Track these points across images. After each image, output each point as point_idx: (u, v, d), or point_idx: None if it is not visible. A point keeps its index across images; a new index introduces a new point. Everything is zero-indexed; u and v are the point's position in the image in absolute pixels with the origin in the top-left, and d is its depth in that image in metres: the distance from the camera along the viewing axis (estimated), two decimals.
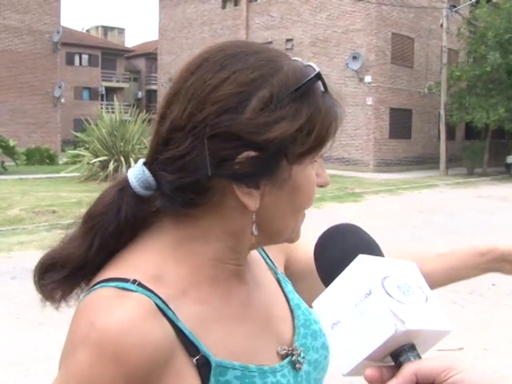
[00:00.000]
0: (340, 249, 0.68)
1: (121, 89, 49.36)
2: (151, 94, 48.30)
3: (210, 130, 0.65)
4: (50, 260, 0.73)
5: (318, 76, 0.69)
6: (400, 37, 24.53)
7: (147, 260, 0.70)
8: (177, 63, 31.37)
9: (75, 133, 19.57)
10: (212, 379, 0.66)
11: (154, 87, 44.32)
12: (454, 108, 23.00)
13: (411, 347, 0.57)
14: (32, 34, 26.05)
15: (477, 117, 21.78)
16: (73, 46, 42.61)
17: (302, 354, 0.78)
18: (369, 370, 0.57)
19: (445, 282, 1.07)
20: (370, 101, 23.15)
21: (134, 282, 0.66)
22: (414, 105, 25.41)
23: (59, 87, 26.59)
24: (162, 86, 32.27)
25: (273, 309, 0.80)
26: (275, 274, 0.87)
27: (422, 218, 11.21)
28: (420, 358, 0.57)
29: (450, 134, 24.82)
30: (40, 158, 23.11)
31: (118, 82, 49.98)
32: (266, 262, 0.87)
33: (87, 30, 55.96)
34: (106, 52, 47.50)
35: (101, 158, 16.21)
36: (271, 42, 26.70)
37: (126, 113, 18.29)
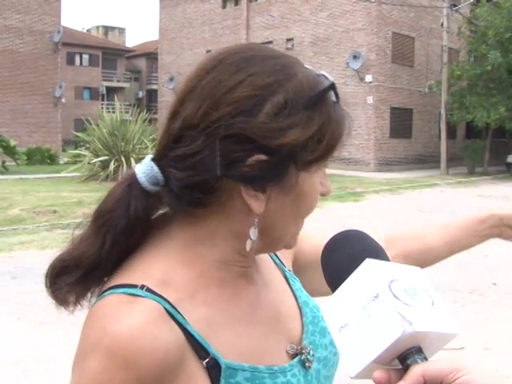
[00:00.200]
0: (347, 254, 0.68)
1: (121, 88, 49.37)
2: (152, 94, 48.31)
3: (223, 131, 0.66)
4: (61, 263, 0.71)
5: (332, 86, 0.71)
6: (400, 36, 24.52)
7: (155, 265, 0.70)
8: (177, 63, 31.39)
9: (76, 133, 19.57)
10: (222, 381, 0.67)
11: (154, 87, 44.31)
12: (455, 107, 23.00)
13: (418, 350, 0.57)
14: (33, 34, 26.06)
15: (477, 116, 21.77)
16: (73, 45, 42.64)
17: (312, 352, 0.78)
18: (377, 372, 0.57)
19: (448, 254, 1.11)
20: (370, 100, 23.15)
21: (143, 287, 0.66)
22: (414, 104, 25.41)
23: (60, 87, 26.60)
24: (163, 86, 32.28)
25: (281, 307, 0.80)
26: (283, 271, 0.87)
27: (423, 217, 11.21)
28: (427, 360, 0.58)
29: (451, 133, 24.82)
30: (41, 157, 23.12)
31: (118, 81, 50.00)
32: (274, 260, 0.88)
33: (88, 30, 55.98)
34: (107, 52, 47.51)
35: (101, 158, 16.21)
36: (271, 42, 26.71)
37: (127, 112, 18.30)
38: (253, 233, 0.70)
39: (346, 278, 0.63)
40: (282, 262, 0.89)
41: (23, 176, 17.42)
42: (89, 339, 0.65)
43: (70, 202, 11.69)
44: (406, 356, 0.57)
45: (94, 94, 45.78)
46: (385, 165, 23.57)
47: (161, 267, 0.70)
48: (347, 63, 23.34)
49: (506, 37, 21.33)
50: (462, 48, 25.17)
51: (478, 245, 1.11)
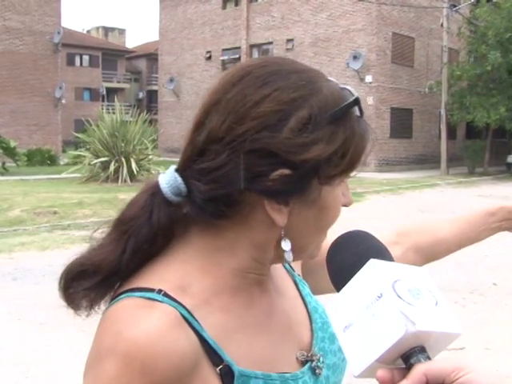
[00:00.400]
0: (351, 254, 0.69)
1: (122, 89, 49.41)
2: (152, 95, 48.35)
3: (248, 145, 0.66)
4: (78, 267, 0.71)
5: (356, 101, 0.71)
6: (400, 36, 24.54)
7: (173, 270, 0.70)
8: (177, 63, 31.40)
9: (76, 134, 19.56)
10: None
11: (154, 88, 44.36)
12: (455, 107, 23.01)
13: (421, 349, 0.58)
14: (33, 34, 26.09)
15: (477, 116, 21.79)
16: (73, 46, 42.68)
17: (321, 359, 0.78)
18: (380, 371, 0.58)
19: (457, 248, 1.11)
20: (370, 100, 23.15)
21: (160, 291, 0.66)
22: (414, 104, 25.42)
23: (60, 88, 26.62)
24: (163, 87, 32.29)
25: (292, 314, 0.80)
26: (293, 276, 0.88)
27: (423, 217, 11.21)
28: (430, 360, 0.58)
29: (451, 133, 24.83)
30: (41, 158, 23.15)
31: (118, 82, 50.05)
32: (284, 266, 0.88)
33: (88, 31, 56.03)
34: (107, 53, 47.55)
35: (102, 159, 16.23)
36: (272, 42, 26.74)
37: (127, 113, 18.31)
38: (284, 245, 0.71)
39: (350, 278, 0.63)
40: (291, 268, 0.89)
41: (23, 177, 17.44)
42: (104, 343, 0.64)
43: (71, 202, 11.70)
44: (409, 355, 0.58)
45: (94, 94, 45.81)
46: (385, 165, 23.58)
47: (178, 273, 0.70)
48: (347, 64, 23.36)
49: (505, 37, 21.34)
50: (462, 48, 25.18)
51: (487, 238, 1.11)
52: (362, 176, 20.08)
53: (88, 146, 17.18)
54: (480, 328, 4.87)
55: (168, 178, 0.72)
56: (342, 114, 0.69)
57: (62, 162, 22.94)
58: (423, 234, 1.10)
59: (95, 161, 16.31)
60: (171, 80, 31.30)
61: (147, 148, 17.03)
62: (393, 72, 24.19)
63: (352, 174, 0.73)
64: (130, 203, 0.73)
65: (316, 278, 0.91)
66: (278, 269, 0.84)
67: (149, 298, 0.65)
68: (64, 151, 26.76)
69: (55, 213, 10.67)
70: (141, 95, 52.17)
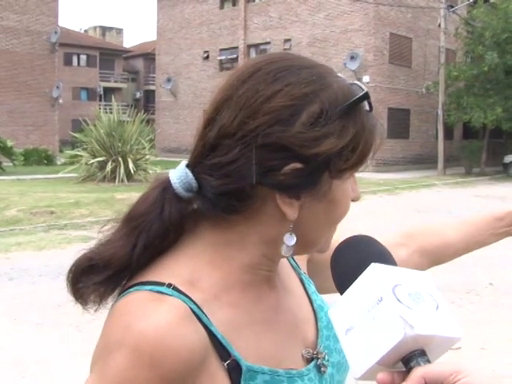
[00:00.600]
0: (354, 259, 0.70)
1: (119, 89, 49.36)
2: (149, 95, 48.28)
3: (260, 140, 0.67)
4: (87, 262, 0.71)
5: (366, 95, 0.73)
6: (398, 37, 24.56)
7: (183, 265, 0.71)
8: (175, 63, 31.39)
9: (73, 133, 19.54)
10: (242, 383, 0.68)
11: (152, 87, 44.27)
12: (452, 108, 23.05)
13: (421, 353, 0.59)
14: (30, 34, 26.04)
15: (474, 116, 21.83)
16: (71, 46, 42.60)
17: (327, 357, 0.79)
18: (380, 373, 0.59)
19: (464, 252, 1.11)
20: None
21: (169, 285, 0.67)
22: (411, 105, 25.45)
23: (57, 88, 26.57)
24: (161, 87, 32.26)
25: (298, 312, 0.81)
26: (299, 274, 0.88)
27: (420, 217, 11.22)
28: (430, 363, 0.59)
29: (448, 133, 24.86)
30: (38, 158, 23.11)
31: (116, 82, 49.98)
32: (290, 263, 0.88)
33: (85, 31, 55.94)
34: (104, 52, 47.49)
35: (99, 159, 16.22)
36: (269, 43, 26.74)
37: (124, 113, 18.33)
38: (287, 238, 0.71)
39: (353, 282, 0.64)
40: (298, 265, 0.90)
41: (20, 177, 17.41)
42: (113, 336, 0.65)
43: (67, 202, 11.68)
44: (409, 359, 0.59)
45: (92, 94, 45.74)
46: (382, 165, 23.60)
47: (188, 267, 0.71)
48: (345, 64, 23.36)
49: (502, 38, 21.39)
50: (459, 49, 25.22)
51: (494, 243, 1.10)
52: (358, 176, 19.98)
53: (85, 146, 17.16)
54: (476, 328, 4.88)
55: (179, 174, 0.72)
56: (352, 109, 0.71)
57: (58, 162, 22.92)
58: (429, 237, 1.10)
59: (92, 160, 16.29)
60: (168, 80, 31.28)
61: (144, 148, 17.02)
62: (390, 72, 24.22)
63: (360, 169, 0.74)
64: (140, 199, 0.74)
65: (322, 277, 0.92)
66: (284, 266, 0.85)
67: (158, 292, 0.66)
68: (61, 151, 26.74)
69: (52, 213, 10.66)
70: (138, 95, 52.11)
